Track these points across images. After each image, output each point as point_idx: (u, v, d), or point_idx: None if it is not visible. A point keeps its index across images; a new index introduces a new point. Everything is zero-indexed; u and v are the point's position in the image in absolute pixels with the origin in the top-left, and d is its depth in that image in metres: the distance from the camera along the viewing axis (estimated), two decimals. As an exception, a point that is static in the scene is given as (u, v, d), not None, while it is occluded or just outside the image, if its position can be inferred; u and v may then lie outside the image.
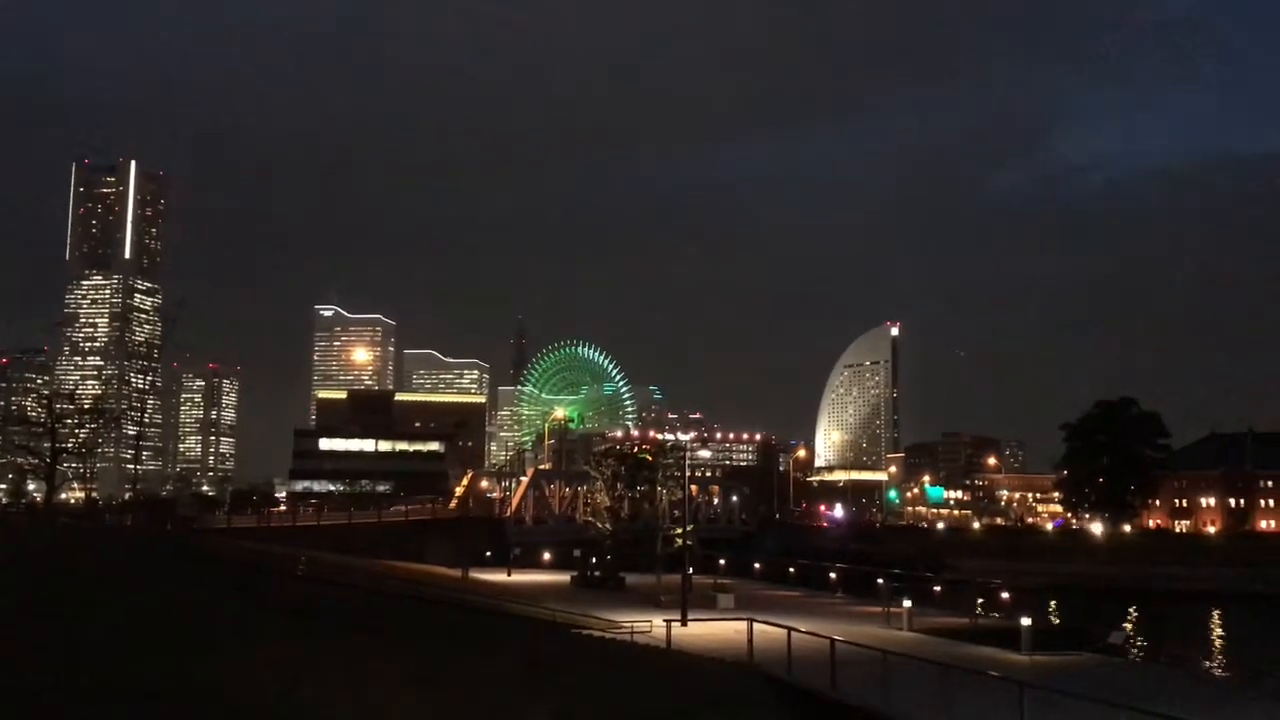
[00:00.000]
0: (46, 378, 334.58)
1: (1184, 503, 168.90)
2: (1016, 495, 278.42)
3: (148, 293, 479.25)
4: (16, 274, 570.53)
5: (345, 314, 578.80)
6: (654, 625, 39.65)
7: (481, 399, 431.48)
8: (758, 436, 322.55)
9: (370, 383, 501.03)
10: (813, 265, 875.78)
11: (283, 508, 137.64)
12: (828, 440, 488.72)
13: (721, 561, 71.71)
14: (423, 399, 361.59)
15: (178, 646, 20.04)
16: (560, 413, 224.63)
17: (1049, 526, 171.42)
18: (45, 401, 72.54)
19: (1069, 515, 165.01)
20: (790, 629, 31.76)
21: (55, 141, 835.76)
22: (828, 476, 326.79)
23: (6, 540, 42.69)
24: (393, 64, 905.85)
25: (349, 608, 37.63)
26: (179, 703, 15.82)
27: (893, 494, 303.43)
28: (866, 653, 28.55)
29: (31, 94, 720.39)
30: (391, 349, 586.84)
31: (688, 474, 62.17)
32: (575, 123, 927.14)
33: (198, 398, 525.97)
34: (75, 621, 21.27)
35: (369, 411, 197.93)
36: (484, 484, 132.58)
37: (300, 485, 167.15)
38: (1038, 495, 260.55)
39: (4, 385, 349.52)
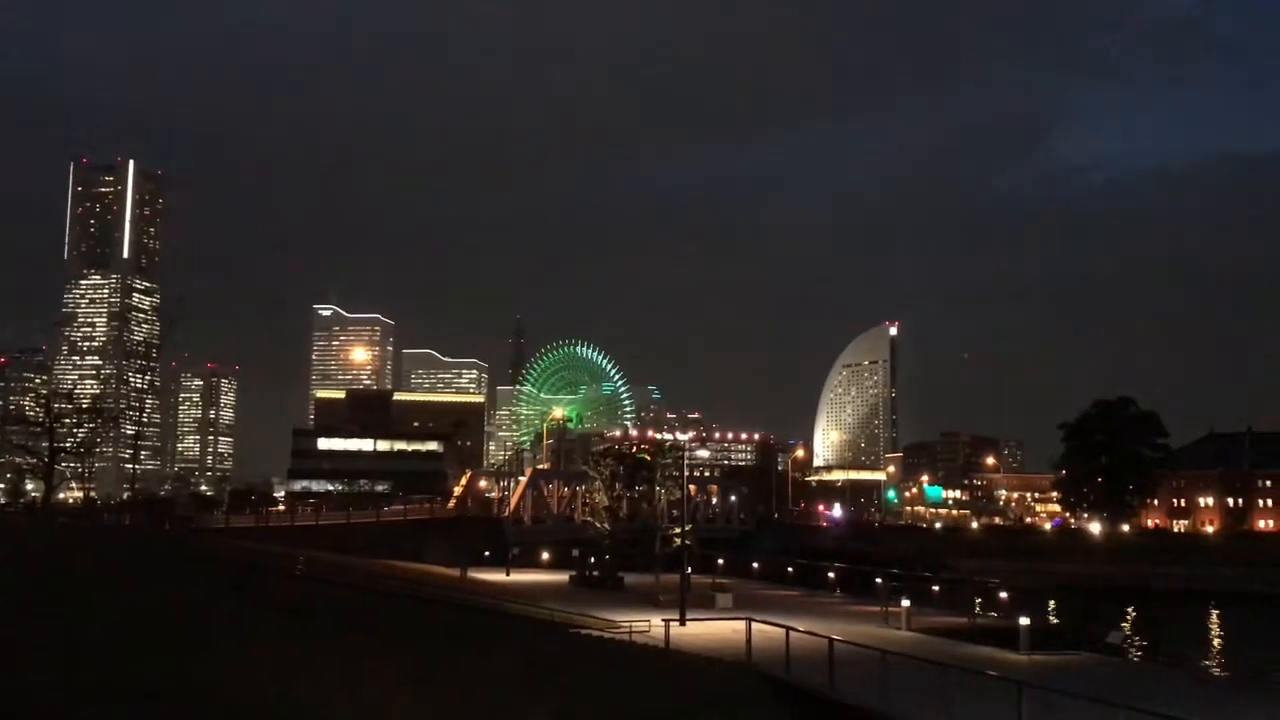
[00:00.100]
0: (45, 377, 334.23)
1: (1182, 502, 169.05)
2: (1015, 495, 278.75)
3: (146, 292, 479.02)
4: (14, 273, 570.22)
5: (344, 313, 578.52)
6: (652, 625, 39.64)
7: (480, 398, 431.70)
8: (756, 436, 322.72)
9: (369, 382, 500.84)
10: (813, 265, 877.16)
11: (281, 507, 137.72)
12: (826, 440, 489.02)
13: (720, 561, 71.69)
14: (421, 399, 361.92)
15: (176, 646, 20.02)
16: (559, 412, 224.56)
17: (1047, 526, 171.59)
18: (43, 401, 72.45)
19: (1067, 515, 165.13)
20: (789, 628, 31.75)
21: (54, 141, 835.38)
22: (826, 476, 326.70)
23: (5, 540, 42.65)
24: (393, 64, 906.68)
25: (347, 607, 37.61)
26: (178, 702, 15.80)
27: (891, 494, 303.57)
28: (865, 652, 28.54)
29: (31, 94, 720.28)
30: (390, 348, 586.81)
31: (686, 474, 62.16)
32: (575, 123, 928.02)
33: (196, 397, 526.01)
34: (73, 621, 21.25)
35: (367, 411, 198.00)
36: (482, 484, 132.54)
37: (298, 485, 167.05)
38: (1036, 495, 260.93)
39: (2, 385, 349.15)
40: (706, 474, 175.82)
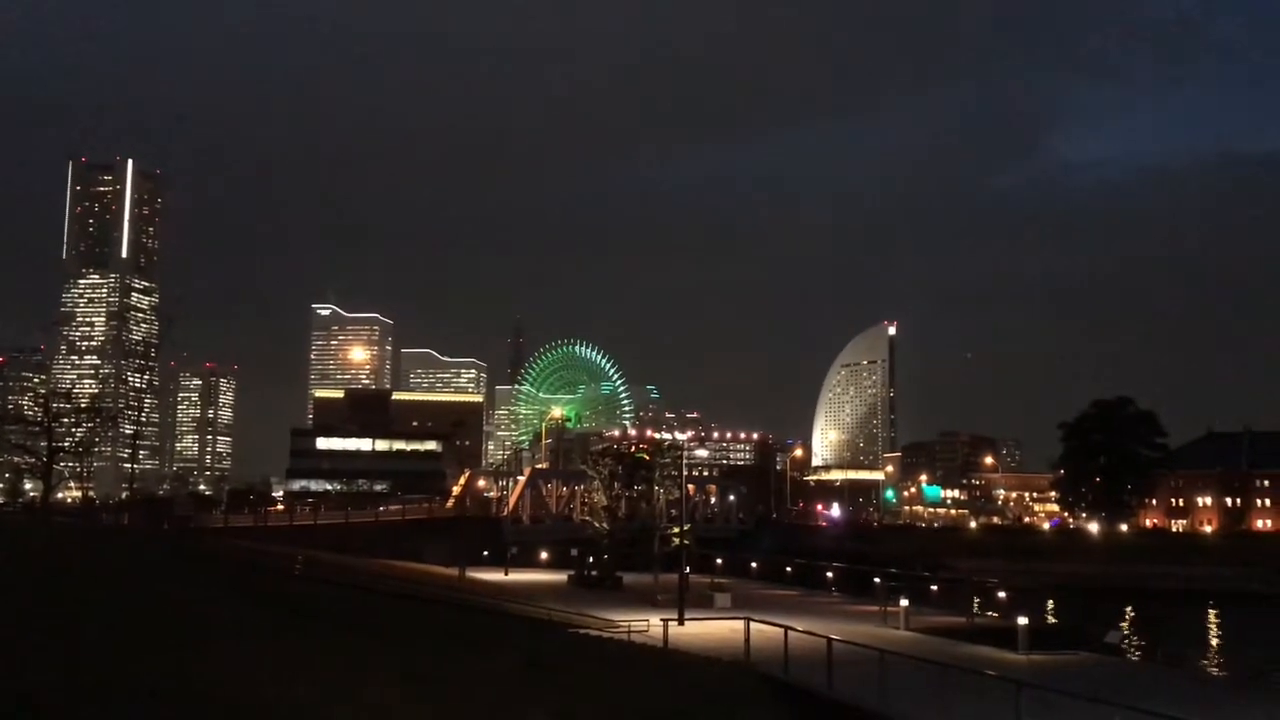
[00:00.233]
0: (43, 376, 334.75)
1: (1181, 502, 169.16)
2: (1013, 494, 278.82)
3: (145, 292, 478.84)
4: (13, 273, 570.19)
5: (342, 313, 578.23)
6: (651, 624, 39.65)
7: (479, 398, 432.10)
8: (755, 436, 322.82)
9: (367, 382, 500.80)
10: (813, 265, 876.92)
11: (280, 507, 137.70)
12: (825, 439, 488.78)
13: (718, 561, 71.63)
14: (420, 398, 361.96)
15: (174, 646, 20.01)
16: (557, 412, 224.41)
17: (1046, 526, 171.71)
18: (42, 400, 72.51)
19: (1066, 514, 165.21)
20: (787, 628, 31.75)
21: (53, 141, 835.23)
22: (825, 476, 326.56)
23: (3, 540, 42.61)
24: (393, 64, 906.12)
25: (346, 607, 37.60)
26: (176, 702, 15.80)
27: (890, 493, 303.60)
28: (863, 652, 28.53)
29: (31, 94, 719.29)
30: (389, 348, 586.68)
31: (685, 473, 62.18)
32: (575, 123, 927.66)
33: (195, 396, 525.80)
34: (72, 621, 21.24)
35: (366, 410, 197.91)
36: (481, 483, 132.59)
37: (297, 484, 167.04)
38: (1035, 494, 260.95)
39: (1, 384, 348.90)
40: (705, 474, 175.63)
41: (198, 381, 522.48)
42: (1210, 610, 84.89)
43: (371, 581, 53.22)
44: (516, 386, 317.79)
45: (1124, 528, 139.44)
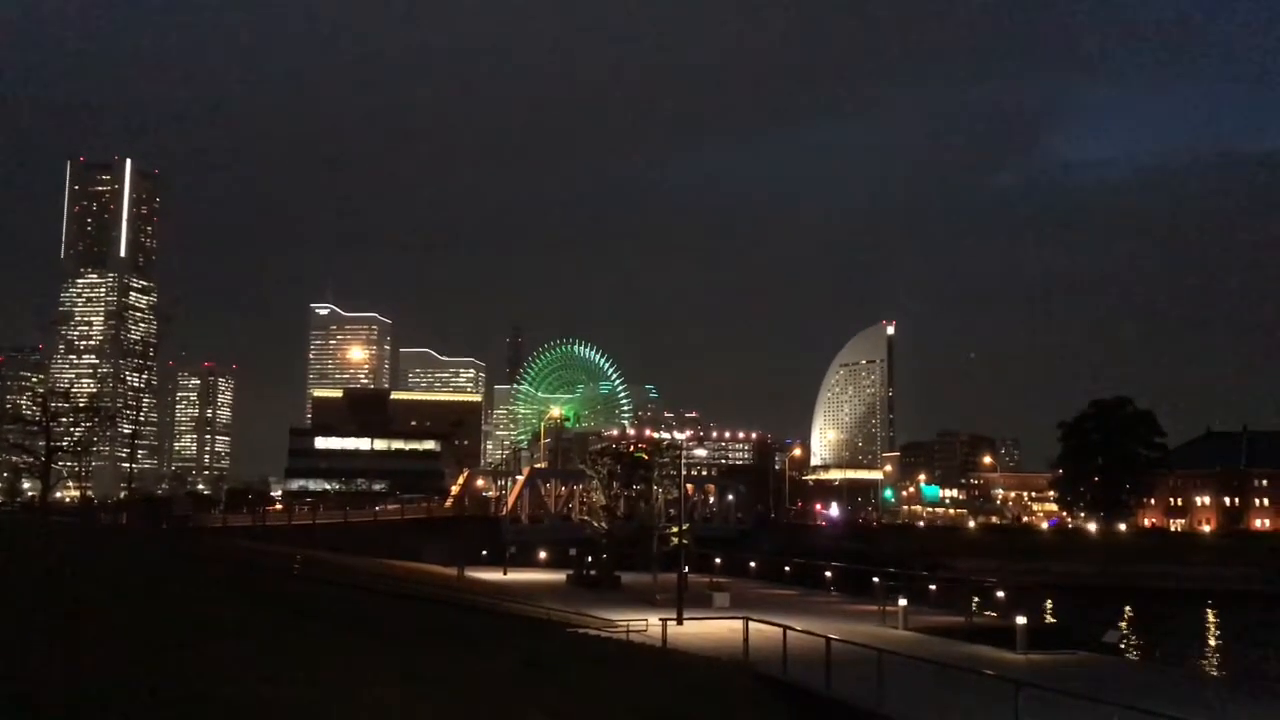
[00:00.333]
0: (41, 376, 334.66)
1: (1179, 501, 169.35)
2: (1012, 494, 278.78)
3: (143, 291, 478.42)
4: (11, 272, 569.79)
5: (341, 312, 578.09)
6: (650, 624, 39.64)
7: (477, 398, 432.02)
8: (754, 435, 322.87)
9: (366, 381, 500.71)
10: (812, 265, 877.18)
11: (278, 506, 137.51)
12: (823, 439, 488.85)
13: (717, 560, 71.64)
14: (419, 398, 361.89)
15: (174, 646, 20.02)
16: (556, 411, 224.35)
17: (1044, 525, 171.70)
18: (40, 400, 72.64)
19: (1064, 514, 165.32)
20: (786, 627, 31.75)
21: (53, 141, 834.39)
22: (823, 475, 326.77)
23: (1, 540, 42.61)
24: (392, 63, 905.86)
25: (344, 607, 37.61)
26: (175, 702, 15.80)
27: (888, 493, 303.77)
28: (862, 651, 28.54)
29: (30, 94, 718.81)
30: (387, 348, 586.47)
31: (684, 473, 62.15)
32: (576, 122, 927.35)
33: (193, 396, 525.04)
34: (71, 621, 21.23)
35: (365, 410, 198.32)
36: (480, 483, 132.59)
37: (296, 484, 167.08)
38: (1033, 494, 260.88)
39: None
40: (704, 473, 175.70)
41: (196, 381, 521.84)
42: (1209, 610, 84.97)
43: (370, 581, 53.20)
44: (515, 386, 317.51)
45: (1122, 527, 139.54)
